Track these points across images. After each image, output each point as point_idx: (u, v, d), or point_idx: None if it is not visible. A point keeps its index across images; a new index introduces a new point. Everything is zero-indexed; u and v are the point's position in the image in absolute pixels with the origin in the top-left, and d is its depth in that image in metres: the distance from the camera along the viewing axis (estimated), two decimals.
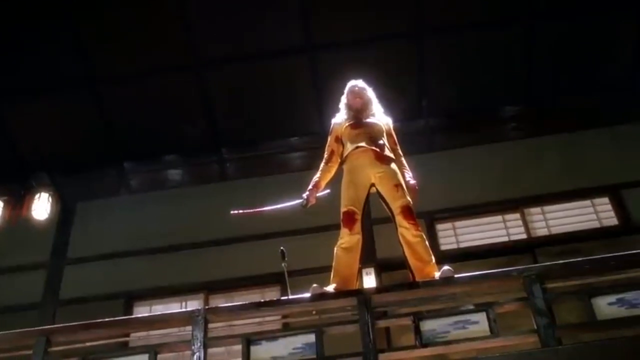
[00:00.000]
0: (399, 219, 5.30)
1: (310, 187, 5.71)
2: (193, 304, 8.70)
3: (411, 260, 5.24)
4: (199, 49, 9.45)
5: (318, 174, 5.79)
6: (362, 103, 5.80)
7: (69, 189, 10.12)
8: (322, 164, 5.83)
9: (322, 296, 4.94)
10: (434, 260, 5.24)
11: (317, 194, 5.70)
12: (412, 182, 5.53)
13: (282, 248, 5.87)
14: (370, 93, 5.93)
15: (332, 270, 5.31)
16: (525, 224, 9.03)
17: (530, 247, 8.73)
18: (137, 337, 5.91)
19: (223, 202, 9.49)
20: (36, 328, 5.81)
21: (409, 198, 5.37)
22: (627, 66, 9.61)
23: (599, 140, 9.55)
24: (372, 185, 5.48)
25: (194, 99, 9.82)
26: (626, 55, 9.59)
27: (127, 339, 5.84)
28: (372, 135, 5.59)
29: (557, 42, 9.50)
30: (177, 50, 9.46)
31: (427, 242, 5.32)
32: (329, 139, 5.89)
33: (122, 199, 10.32)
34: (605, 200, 9.09)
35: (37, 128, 9.77)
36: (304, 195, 5.66)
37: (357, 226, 5.36)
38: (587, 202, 9.14)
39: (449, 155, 9.83)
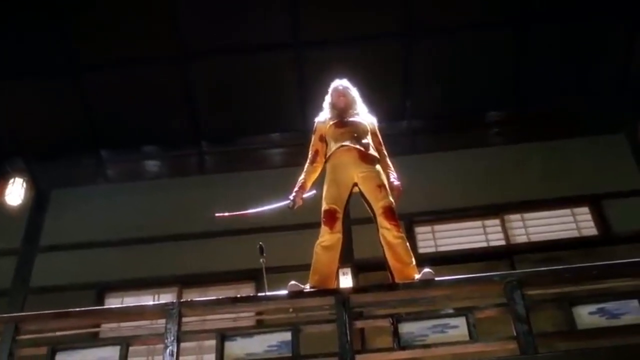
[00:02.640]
0: (381, 220, 5.24)
1: (296, 188, 5.64)
2: (166, 298, 8.61)
3: (391, 262, 5.18)
4: (184, 40, 9.33)
5: (303, 175, 5.72)
6: (346, 102, 5.75)
7: (45, 175, 9.97)
8: (307, 164, 5.76)
9: (300, 294, 4.86)
10: (414, 262, 5.18)
11: (304, 195, 5.60)
12: (397, 183, 5.48)
13: (260, 243, 5.77)
14: (355, 92, 5.88)
15: (311, 269, 5.23)
16: (505, 230, 9.02)
17: (508, 253, 8.72)
18: (108, 328, 5.79)
19: (201, 196, 9.48)
20: (5, 315, 5.67)
21: (391, 199, 5.31)
22: (615, 76, 9.61)
23: (582, 149, 9.54)
24: (355, 184, 5.41)
25: (177, 90, 9.70)
26: (615, 64, 9.59)
27: (97, 329, 5.73)
28: (356, 134, 5.53)
29: (545, 49, 9.47)
30: (162, 40, 9.33)
31: (407, 244, 5.26)
32: (312, 138, 5.82)
33: (98, 188, 10.16)
34: (586, 210, 9.11)
35: (15, 112, 9.58)
36: (291, 197, 5.57)
37: (338, 225, 5.29)
38: (568, 211, 9.15)
39: (431, 158, 9.78)
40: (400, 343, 4.53)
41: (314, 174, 5.72)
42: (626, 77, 9.63)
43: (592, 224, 8.99)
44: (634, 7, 9.25)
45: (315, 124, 5.86)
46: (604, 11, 9.31)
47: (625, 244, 8.40)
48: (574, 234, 8.95)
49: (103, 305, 8.59)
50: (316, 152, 5.71)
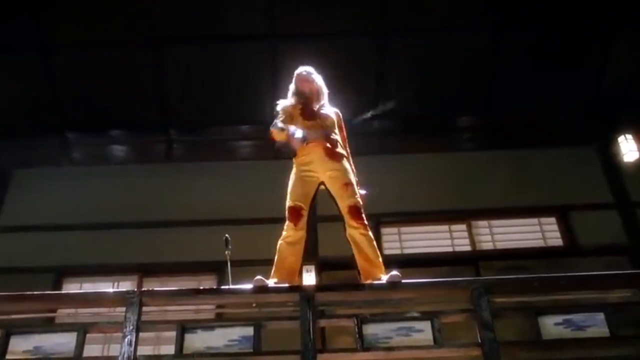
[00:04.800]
0: (348, 219, 5.15)
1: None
2: (126, 286, 8.52)
3: (359, 261, 5.10)
4: (158, 25, 9.21)
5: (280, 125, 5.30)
6: (312, 89, 5.55)
7: (7, 154, 9.75)
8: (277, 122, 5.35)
9: (265, 289, 4.75)
10: (381, 262, 5.10)
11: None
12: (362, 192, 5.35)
13: (226, 235, 5.67)
14: (320, 80, 5.67)
15: (274, 265, 5.12)
16: (471, 236, 9.05)
17: (474, 259, 8.76)
18: (65, 314, 5.65)
19: (167, 184, 9.38)
20: None
21: (358, 198, 5.21)
22: (588, 89, 9.66)
23: (552, 159, 9.60)
24: (322, 182, 5.30)
25: (148, 75, 9.58)
26: (588, 77, 9.64)
27: (53, 314, 5.59)
28: (325, 129, 5.39)
29: (520, 57, 9.53)
30: (136, 24, 9.20)
31: (375, 244, 5.17)
32: (279, 116, 5.43)
33: (62, 170, 10.01)
34: (553, 220, 9.18)
35: None
36: (300, 134, 5.19)
37: (303, 222, 5.18)
38: (535, 221, 9.21)
39: (401, 159, 9.75)
40: (363, 344, 4.44)
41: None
42: (599, 91, 9.69)
43: (558, 234, 9.06)
44: (608, 20, 9.32)
45: (280, 106, 5.54)
46: (579, 23, 9.38)
47: (590, 256, 8.50)
48: (540, 243, 9.01)
49: (61, 289, 8.48)
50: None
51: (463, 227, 9.18)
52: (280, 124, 5.22)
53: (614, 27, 9.39)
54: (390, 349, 4.43)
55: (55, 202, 9.35)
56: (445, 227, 9.23)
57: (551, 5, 9.21)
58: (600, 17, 9.35)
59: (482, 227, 9.19)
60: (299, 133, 5.17)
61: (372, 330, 4.53)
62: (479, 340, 4.45)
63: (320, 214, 6.72)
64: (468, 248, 8.99)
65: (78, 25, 9.16)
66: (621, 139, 9.43)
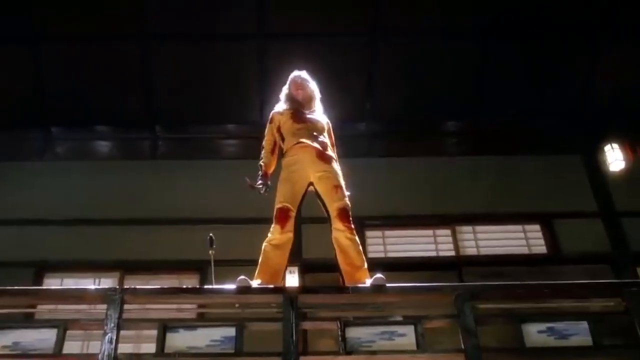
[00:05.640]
0: (335, 221, 5.11)
1: (261, 173, 5.40)
2: (107, 283, 8.48)
3: (342, 265, 5.05)
4: (147, 20, 9.18)
5: (264, 161, 5.48)
6: (304, 95, 5.58)
7: None
8: (265, 152, 5.54)
9: (248, 289, 4.71)
10: (366, 266, 5.07)
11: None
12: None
13: (211, 234, 5.62)
14: (314, 86, 5.69)
15: (258, 266, 5.07)
16: (455, 241, 9.06)
17: (457, 265, 8.76)
18: (45, 309, 5.59)
19: (151, 181, 9.33)
20: None
21: (347, 200, 5.18)
22: (574, 98, 9.70)
23: (537, 167, 9.63)
24: (311, 184, 5.26)
25: (135, 71, 9.54)
26: (575, 87, 9.68)
27: (33, 310, 5.53)
28: (315, 131, 5.38)
29: (508, 65, 9.57)
30: (124, 18, 9.17)
31: (360, 247, 5.14)
32: (268, 127, 5.60)
33: (45, 165, 9.91)
34: (537, 227, 9.20)
35: None
36: (260, 183, 5.33)
37: (290, 224, 5.14)
38: (519, 227, 9.23)
39: (387, 162, 9.76)
40: (346, 347, 4.41)
41: (274, 162, 5.54)
42: (585, 100, 9.74)
43: (542, 242, 9.08)
44: (596, 31, 9.37)
45: (271, 115, 5.66)
46: (567, 34, 9.42)
47: (573, 264, 8.53)
48: (524, 250, 9.03)
49: (41, 285, 8.41)
50: (275, 144, 5.53)
51: (447, 232, 9.18)
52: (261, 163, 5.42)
53: (602, 38, 9.44)
54: (373, 352, 4.40)
55: (38, 196, 9.26)
56: (429, 232, 9.23)
57: (541, 16, 9.26)
58: (588, 29, 9.39)
59: (467, 233, 9.20)
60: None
61: (355, 333, 4.50)
62: (462, 346, 4.43)
63: (304, 216, 6.66)
64: (452, 253, 8.99)
65: (66, 18, 9.10)
66: (607, 148, 9.48)
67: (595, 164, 9.67)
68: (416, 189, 9.40)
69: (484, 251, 9.01)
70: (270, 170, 5.50)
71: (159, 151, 10.20)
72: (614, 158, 9.37)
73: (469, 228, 9.23)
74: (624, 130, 9.54)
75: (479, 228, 9.22)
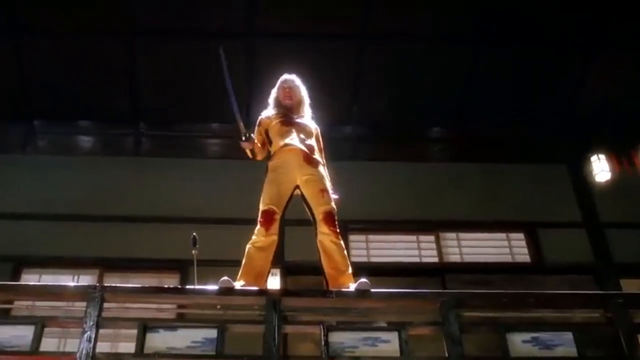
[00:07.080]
0: (320, 225, 5.06)
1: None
2: (86, 280, 8.36)
3: (327, 268, 5.00)
4: (133, 16, 9.09)
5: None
6: (292, 101, 5.52)
7: None
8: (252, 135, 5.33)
9: (231, 291, 4.63)
10: (350, 271, 5.01)
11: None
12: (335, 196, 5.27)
13: (194, 234, 5.55)
14: (303, 91, 5.62)
15: (242, 268, 4.99)
16: (439, 247, 9.04)
17: (440, 271, 8.75)
18: (23, 305, 5.47)
19: (133, 178, 9.26)
20: None
21: (333, 204, 5.12)
22: (562, 107, 9.71)
23: (523, 175, 9.63)
24: (297, 187, 5.20)
25: (120, 67, 9.47)
26: (563, 96, 9.68)
27: (10, 306, 5.42)
28: (302, 135, 5.32)
29: (496, 72, 9.53)
30: (110, 13, 9.07)
31: (345, 251, 5.09)
32: (256, 130, 5.49)
33: (26, 159, 9.79)
34: (521, 236, 9.20)
35: None
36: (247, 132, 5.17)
37: (275, 227, 5.08)
38: (503, 235, 9.23)
39: (372, 166, 9.73)
40: (329, 352, 4.35)
41: (262, 152, 5.39)
42: (573, 110, 9.74)
43: (525, 250, 9.08)
44: (585, 41, 9.37)
45: (259, 119, 5.57)
46: (556, 43, 9.43)
47: (556, 274, 8.50)
48: (507, 258, 9.03)
49: (19, 280, 8.28)
50: (263, 142, 5.42)
51: (431, 238, 9.16)
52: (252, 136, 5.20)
53: (591, 48, 9.44)
54: (356, 358, 4.35)
55: (18, 190, 9.16)
56: (413, 237, 9.21)
57: (530, 24, 9.24)
58: (578, 38, 9.40)
59: (450, 239, 9.17)
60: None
61: (338, 338, 4.44)
62: (446, 354, 4.38)
63: (287, 218, 6.60)
64: (435, 259, 8.96)
65: (51, 10, 8.99)
66: (594, 159, 9.48)
67: (581, 174, 9.67)
68: (401, 193, 9.38)
69: (468, 258, 9.00)
70: (258, 151, 5.34)
71: (143, 148, 10.12)
72: (600, 168, 9.37)
73: (452, 235, 9.21)
74: (610, 141, 9.55)
75: (462, 235, 9.20)
